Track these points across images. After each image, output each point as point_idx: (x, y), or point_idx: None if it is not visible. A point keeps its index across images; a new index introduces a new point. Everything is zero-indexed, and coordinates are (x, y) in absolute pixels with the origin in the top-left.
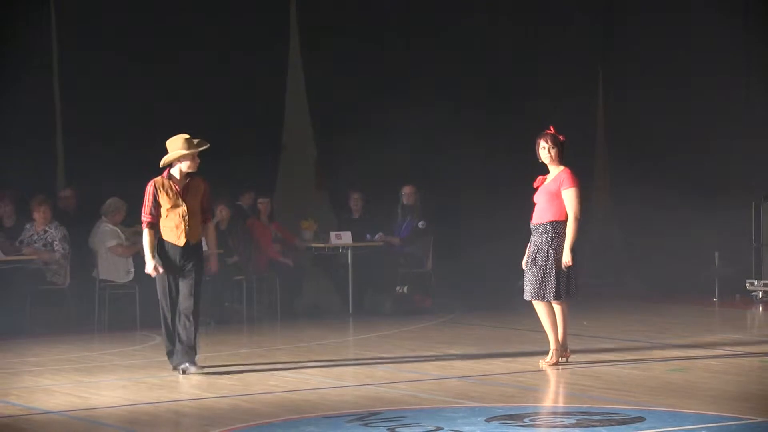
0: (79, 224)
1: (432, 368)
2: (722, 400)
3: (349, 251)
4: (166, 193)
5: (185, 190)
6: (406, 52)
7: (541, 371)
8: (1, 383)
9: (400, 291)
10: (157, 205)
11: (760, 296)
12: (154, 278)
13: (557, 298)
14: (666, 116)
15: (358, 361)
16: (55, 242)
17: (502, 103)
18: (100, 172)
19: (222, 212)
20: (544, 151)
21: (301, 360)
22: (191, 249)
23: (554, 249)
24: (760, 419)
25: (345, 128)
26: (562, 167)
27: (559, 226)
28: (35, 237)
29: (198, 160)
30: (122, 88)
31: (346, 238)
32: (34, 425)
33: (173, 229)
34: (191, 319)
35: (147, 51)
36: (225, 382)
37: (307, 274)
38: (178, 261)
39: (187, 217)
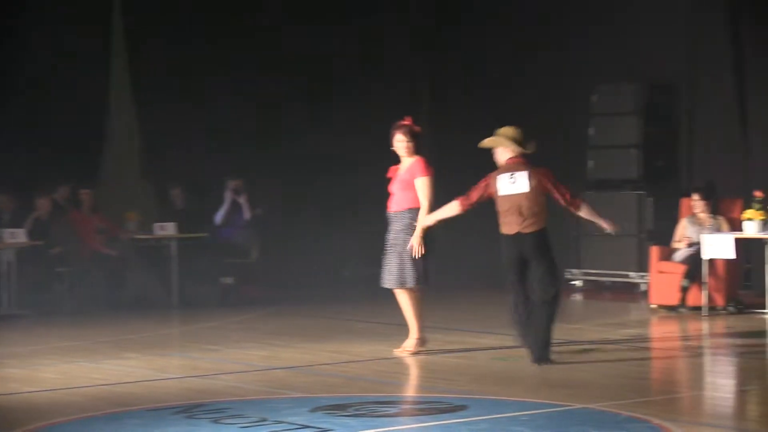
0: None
1: (257, 359)
2: (543, 387)
3: (174, 242)
4: None
5: None
6: (230, 40)
7: (364, 361)
8: None
9: (226, 282)
10: None
11: (580, 285)
12: None
13: (417, 283)
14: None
15: (183, 353)
16: None
17: (323, 96)
18: None
19: (43, 204)
20: (401, 144)
21: (125, 352)
22: None
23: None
24: (578, 405)
25: (171, 118)
26: (416, 157)
27: (416, 214)
28: None
29: None
30: None
31: (170, 229)
32: None
33: None
34: None
35: None
36: (46, 376)
37: (131, 265)
38: None
39: None
